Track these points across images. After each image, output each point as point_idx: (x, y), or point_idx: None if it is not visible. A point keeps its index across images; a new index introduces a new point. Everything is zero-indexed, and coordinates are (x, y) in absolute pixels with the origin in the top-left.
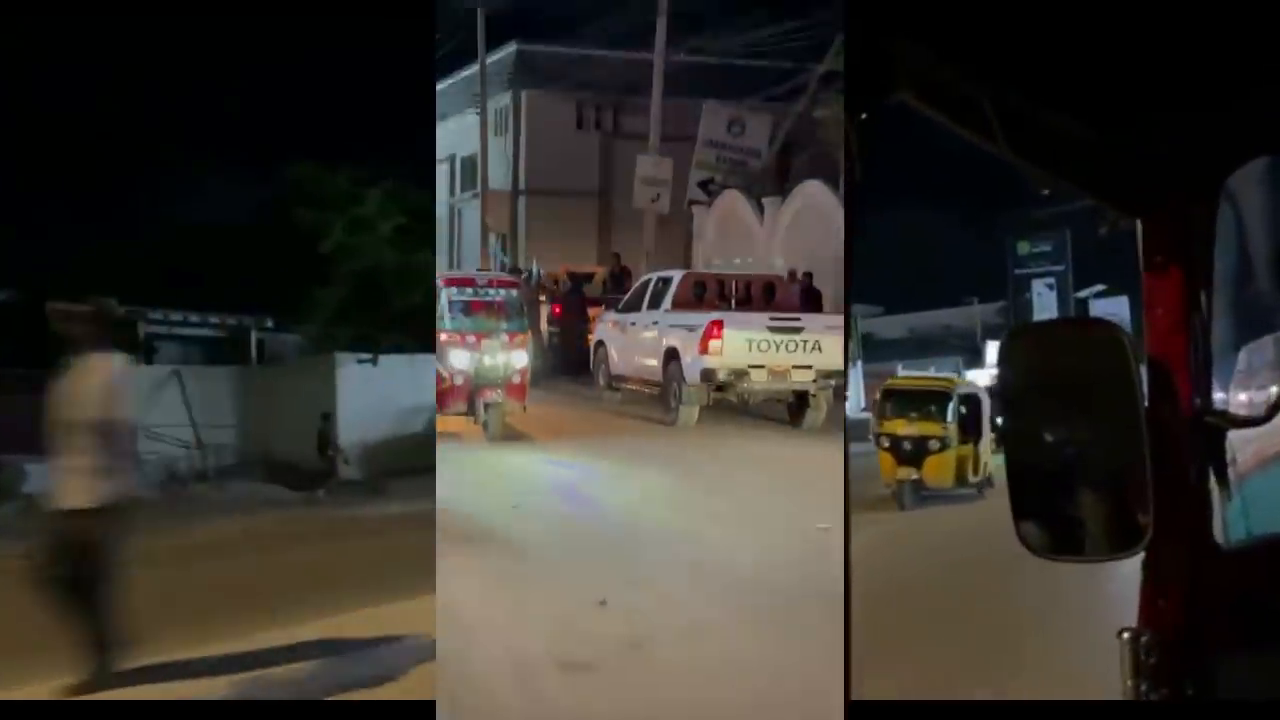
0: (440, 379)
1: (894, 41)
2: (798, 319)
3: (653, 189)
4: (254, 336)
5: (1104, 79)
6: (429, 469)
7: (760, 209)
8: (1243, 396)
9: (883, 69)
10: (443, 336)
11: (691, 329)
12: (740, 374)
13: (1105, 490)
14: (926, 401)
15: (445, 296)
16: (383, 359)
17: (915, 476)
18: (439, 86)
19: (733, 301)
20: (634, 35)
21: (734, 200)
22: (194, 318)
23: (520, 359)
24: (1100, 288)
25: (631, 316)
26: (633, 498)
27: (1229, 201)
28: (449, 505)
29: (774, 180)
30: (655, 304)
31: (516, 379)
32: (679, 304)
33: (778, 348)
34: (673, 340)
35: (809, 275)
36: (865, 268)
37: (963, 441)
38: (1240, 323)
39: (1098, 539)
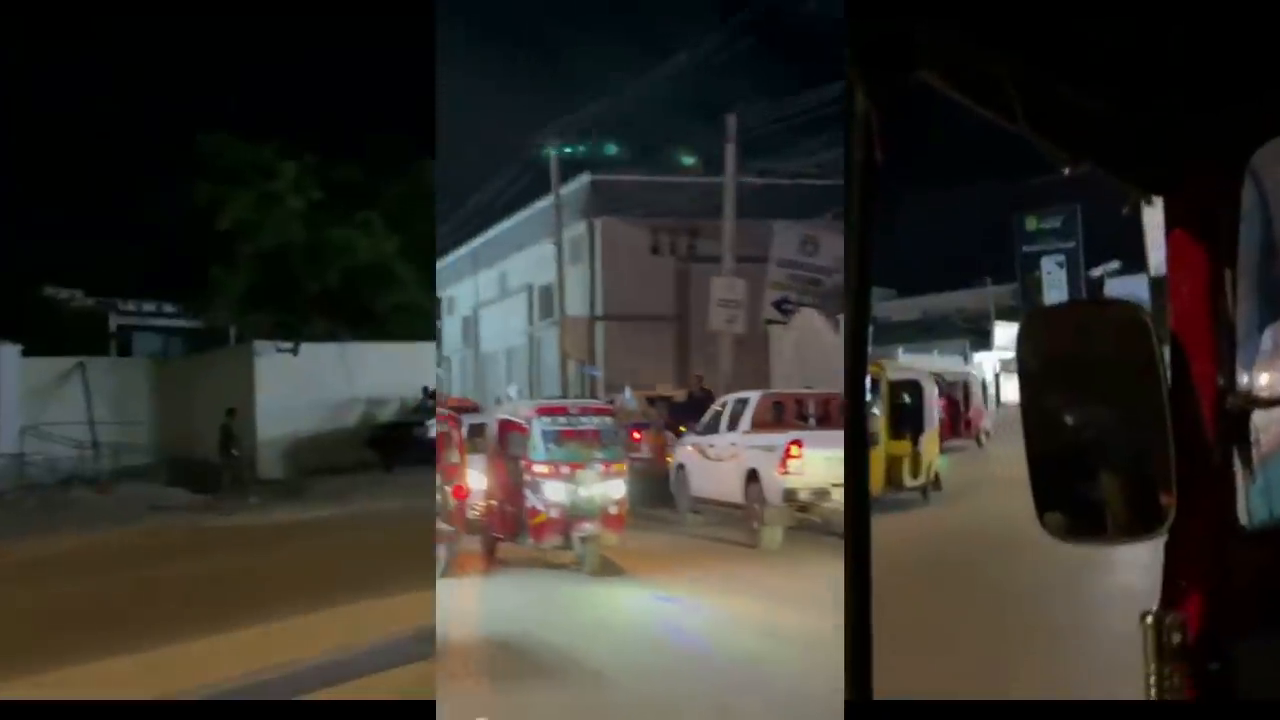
0: (534, 512)
1: (912, 19)
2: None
3: (729, 310)
4: (231, 326)
5: (1125, 54)
6: (355, 468)
7: (838, 326)
8: (1266, 377)
9: (900, 48)
10: (536, 468)
11: (770, 449)
12: (822, 493)
13: (1128, 472)
14: None
15: (538, 427)
16: (306, 348)
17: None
18: (520, 217)
19: (811, 420)
20: (706, 161)
21: (811, 318)
22: (169, 308)
23: (617, 489)
24: (1115, 265)
25: (711, 438)
26: (720, 626)
27: (1253, 178)
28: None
29: None
30: (733, 425)
31: (614, 510)
32: (758, 424)
33: None
34: (752, 461)
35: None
36: (877, 251)
37: (896, 437)
38: (1266, 302)
39: (1120, 521)
